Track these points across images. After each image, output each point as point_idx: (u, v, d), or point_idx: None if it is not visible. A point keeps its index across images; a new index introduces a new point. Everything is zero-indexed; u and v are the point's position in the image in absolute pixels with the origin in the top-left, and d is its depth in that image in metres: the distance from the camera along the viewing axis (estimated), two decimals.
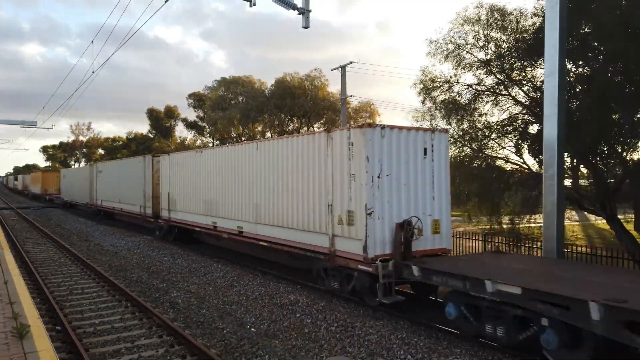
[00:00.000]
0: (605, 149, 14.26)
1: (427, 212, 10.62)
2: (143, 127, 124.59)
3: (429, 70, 17.28)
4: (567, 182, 14.93)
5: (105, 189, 29.66)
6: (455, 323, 8.39)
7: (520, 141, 15.99)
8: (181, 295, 11.66)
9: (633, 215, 15.34)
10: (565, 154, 12.73)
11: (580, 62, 14.12)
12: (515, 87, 15.86)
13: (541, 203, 11.09)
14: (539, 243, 13.20)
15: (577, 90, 14.40)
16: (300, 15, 12.11)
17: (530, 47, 14.49)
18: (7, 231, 23.17)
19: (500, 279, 7.40)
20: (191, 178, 17.95)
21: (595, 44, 13.42)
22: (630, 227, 15.30)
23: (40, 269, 14.58)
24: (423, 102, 17.38)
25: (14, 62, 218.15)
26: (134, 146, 65.66)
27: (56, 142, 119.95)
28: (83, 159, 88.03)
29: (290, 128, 38.71)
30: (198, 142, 56.18)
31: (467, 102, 16.63)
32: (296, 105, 35.74)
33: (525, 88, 15.72)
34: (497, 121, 16.50)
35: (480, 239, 15.74)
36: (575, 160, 15.43)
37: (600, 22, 12.54)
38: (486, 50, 15.89)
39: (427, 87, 17.16)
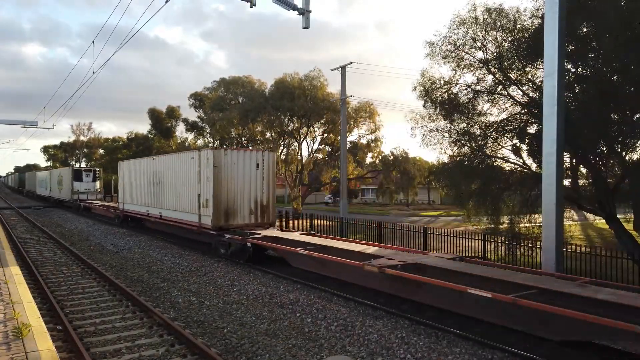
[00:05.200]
0: (605, 148, 14.25)
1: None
2: (143, 127, 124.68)
3: (429, 72, 17.31)
4: (567, 182, 14.93)
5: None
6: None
7: (519, 141, 15.99)
8: (182, 294, 11.69)
9: (632, 214, 15.32)
10: (565, 154, 12.74)
11: (580, 62, 14.12)
12: (514, 86, 15.86)
13: (541, 203, 11.12)
14: (538, 242, 13.22)
15: (577, 90, 14.40)
16: (301, 16, 12.14)
17: (529, 46, 14.51)
18: (8, 231, 23.21)
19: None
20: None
21: (594, 44, 13.44)
22: (629, 226, 15.30)
23: (41, 268, 14.61)
24: (424, 105, 17.43)
25: (15, 63, 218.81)
26: (134, 146, 65.45)
27: (57, 142, 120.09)
28: (83, 159, 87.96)
29: (290, 128, 38.60)
30: (199, 143, 56.05)
31: (466, 102, 16.65)
32: (295, 106, 35.62)
33: (524, 88, 15.73)
34: (497, 121, 16.51)
35: (479, 238, 15.76)
36: (574, 160, 15.43)
37: (599, 22, 12.55)
38: (485, 51, 15.91)
39: (427, 89, 17.19)
